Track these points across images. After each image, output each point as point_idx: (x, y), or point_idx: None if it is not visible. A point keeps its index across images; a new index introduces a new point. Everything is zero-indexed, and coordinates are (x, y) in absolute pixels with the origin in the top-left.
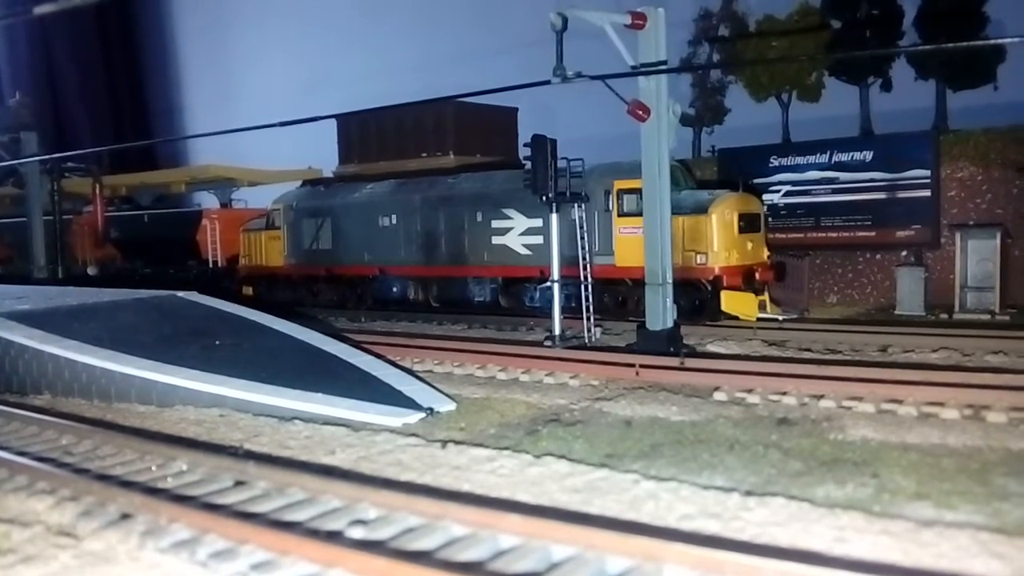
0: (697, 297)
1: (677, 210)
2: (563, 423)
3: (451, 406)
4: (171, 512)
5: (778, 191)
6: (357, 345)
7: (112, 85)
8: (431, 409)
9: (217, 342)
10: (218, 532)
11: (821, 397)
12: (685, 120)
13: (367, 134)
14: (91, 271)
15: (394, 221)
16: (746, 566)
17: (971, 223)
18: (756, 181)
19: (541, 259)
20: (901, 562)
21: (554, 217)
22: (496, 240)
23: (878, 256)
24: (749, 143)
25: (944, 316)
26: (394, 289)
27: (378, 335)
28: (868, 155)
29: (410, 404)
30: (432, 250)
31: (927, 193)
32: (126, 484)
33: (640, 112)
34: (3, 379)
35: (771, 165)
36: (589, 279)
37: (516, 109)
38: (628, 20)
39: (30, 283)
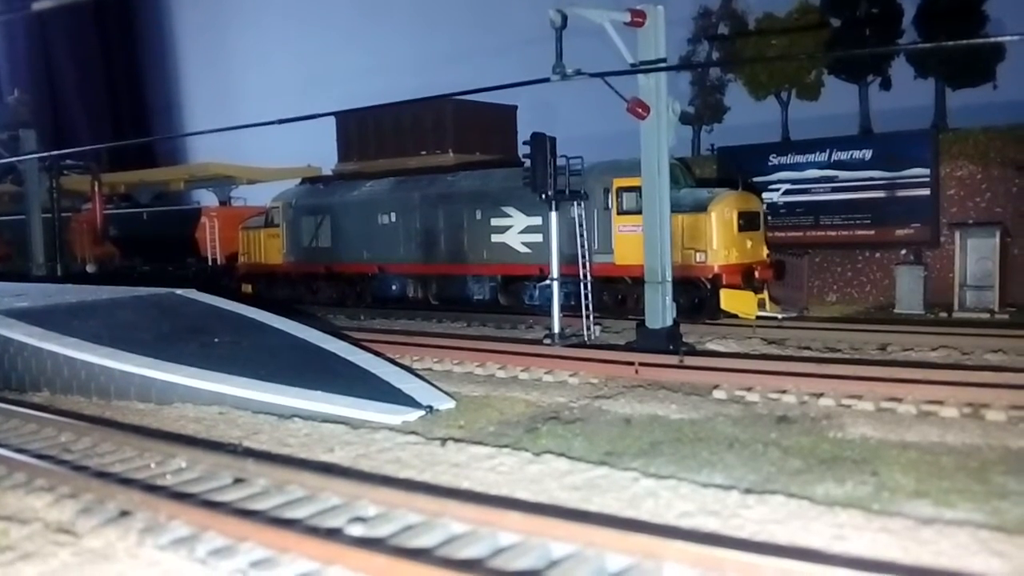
0: (696, 295)
1: (676, 208)
2: (562, 421)
3: (450, 404)
4: (170, 509)
5: (777, 189)
6: (356, 343)
7: (111, 82)
8: (430, 407)
9: (216, 340)
10: (217, 529)
11: (820, 395)
12: (684, 118)
13: (366, 132)
14: (90, 269)
15: (393, 219)
16: (745, 563)
17: (970, 222)
18: (755, 179)
19: (540, 257)
20: (900, 560)
21: (553, 215)
22: (495, 238)
23: (877, 255)
24: (748, 141)
25: (943, 315)
26: (393, 287)
27: (377, 333)
28: (867, 154)
29: (409, 402)
30: (431, 248)
31: (926, 192)
32: (125, 481)
33: (639, 110)
34: (2, 376)
35: (770, 163)
36: (588, 277)
37: (515, 107)
38: (628, 18)
39: (29, 281)
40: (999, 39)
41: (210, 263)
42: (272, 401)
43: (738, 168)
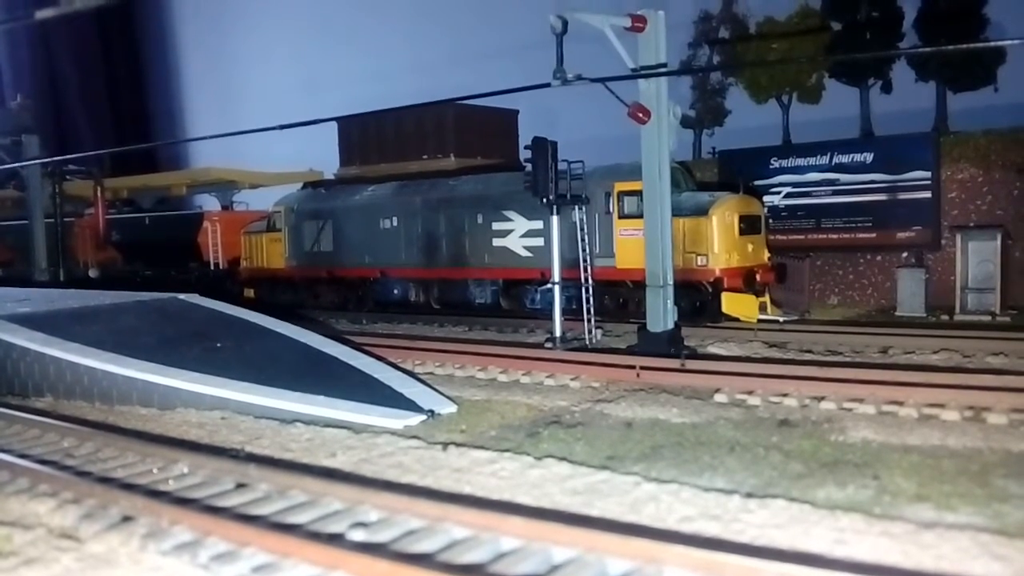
0: (698, 299)
1: (678, 212)
2: (564, 425)
3: (452, 408)
4: (173, 515)
5: (779, 193)
6: (358, 347)
7: (113, 88)
8: (432, 411)
9: (219, 344)
10: (220, 534)
11: (822, 399)
12: (685, 122)
13: (368, 136)
14: (92, 273)
15: (395, 223)
16: (746, 568)
17: (972, 224)
18: (757, 183)
19: (542, 261)
20: (901, 564)
21: (555, 219)
22: (497, 242)
23: (879, 257)
24: (749, 145)
25: (945, 317)
26: (395, 291)
27: (379, 337)
28: (868, 157)
29: (411, 406)
30: (433, 252)
31: (927, 195)
32: (128, 487)
33: (640, 114)
34: (5, 382)
35: (771, 167)
36: (590, 281)
37: (516, 111)
38: (628, 23)
39: (32, 286)
40: (1000, 42)
41: (212, 268)
42: (274, 406)
43: (739, 171)
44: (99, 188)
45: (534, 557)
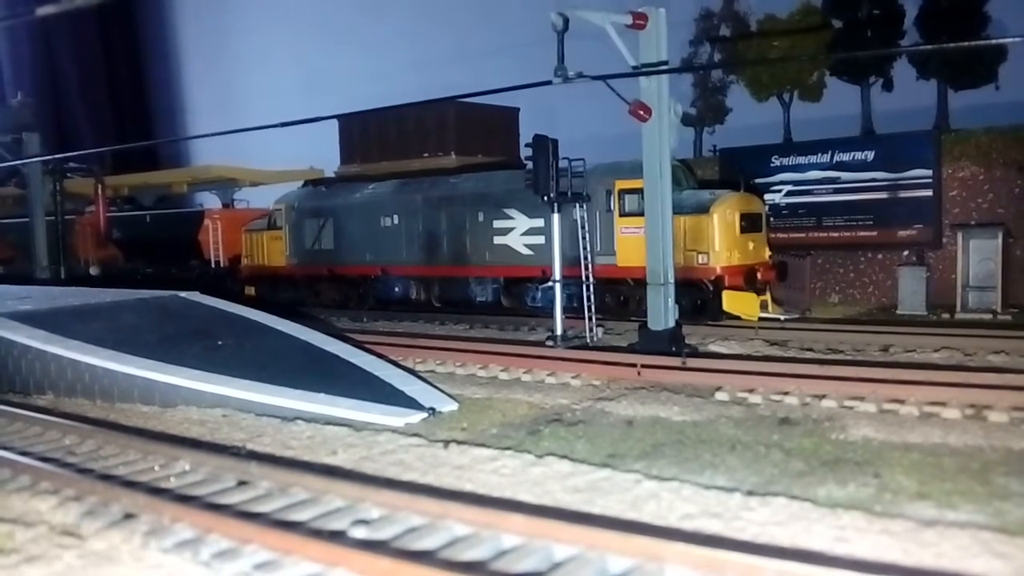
0: (699, 297)
1: (678, 210)
2: (565, 423)
3: (453, 406)
4: (174, 512)
5: (780, 191)
6: (359, 345)
7: (114, 86)
8: (433, 409)
9: (220, 342)
10: (221, 532)
11: (823, 397)
12: (686, 120)
13: (368, 134)
14: (93, 271)
15: (396, 221)
16: (747, 566)
17: (973, 223)
18: (757, 181)
19: (543, 259)
20: (902, 562)
21: (556, 217)
22: (498, 240)
23: (880, 256)
24: (750, 143)
25: (946, 316)
26: (396, 289)
27: (380, 335)
28: (869, 155)
29: (412, 404)
30: (434, 250)
31: (929, 193)
32: (129, 484)
33: (641, 112)
34: (6, 379)
35: (772, 165)
36: (591, 279)
37: (517, 109)
38: (629, 20)
39: (33, 283)
40: (1001, 40)
41: (213, 265)
42: (275, 404)
43: (740, 169)
44: (100, 186)
45: (535, 554)
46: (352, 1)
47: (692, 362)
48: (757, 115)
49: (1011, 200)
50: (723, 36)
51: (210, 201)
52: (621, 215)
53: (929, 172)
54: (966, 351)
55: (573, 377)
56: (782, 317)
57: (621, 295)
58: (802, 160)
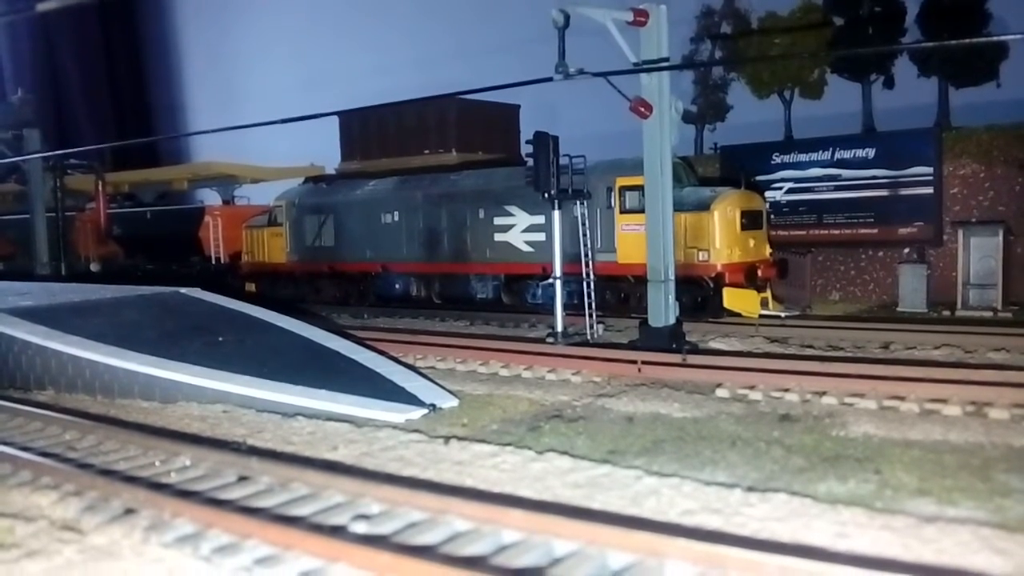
0: (699, 294)
1: (679, 207)
2: (565, 419)
3: (454, 402)
4: (175, 507)
5: (780, 188)
6: (360, 342)
7: (115, 82)
8: (434, 405)
9: (220, 338)
10: (222, 527)
11: (823, 394)
12: (687, 117)
13: (369, 131)
14: (94, 267)
15: (396, 218)
16: (748, 561)
17: (973, 220)
18: (758, 178)
19: (543, 256)
20: (902, 557)
21: (556, 214)
22: (498, 237)
23: (880, 253)
24: (751, 140)
25: (946, 313)
26: (396, 286)
27: (381, 331)
28: (870, 152)
29: (413, 400)
30: (434, 247)
31: (929, 190)
32: (130, 479)
33: (642, 109)
34: (7, 375)
35: (773, 162)
36: (591, 276)
37: (518, 106)
38: (630, 17)
39: (33, 279)
40: (1002, 38)
41: (214, 262)
42: (276, 400)
43: (741, 167)
44: (100, 182)
45: (536, 550)
46: None
47: (692, 359)
48: (758, 112)
49: (1012, 198)
50: (724, 33)
51: (211, 198)
52: (622, 212)
53: (930, 170)
54: (967, 348)
55: (574, 374)
56: (783, 314)
57: (622, 292)
58: (803, 157)
